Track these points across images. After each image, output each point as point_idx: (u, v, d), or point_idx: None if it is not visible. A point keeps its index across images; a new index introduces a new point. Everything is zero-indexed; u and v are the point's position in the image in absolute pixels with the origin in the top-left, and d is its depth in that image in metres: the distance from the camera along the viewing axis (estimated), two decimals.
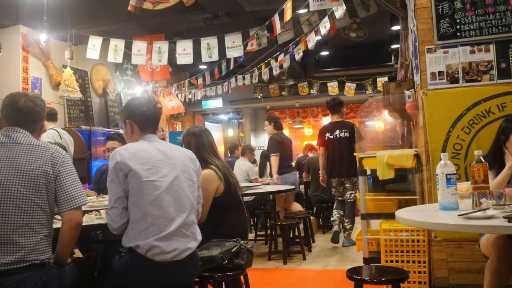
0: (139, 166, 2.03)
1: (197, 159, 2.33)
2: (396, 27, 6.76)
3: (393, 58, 9.54)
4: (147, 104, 2.26)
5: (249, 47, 5.66)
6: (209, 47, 5.61)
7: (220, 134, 14.44)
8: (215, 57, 5.70)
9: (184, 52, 5.75)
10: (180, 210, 2.08)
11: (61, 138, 5.03)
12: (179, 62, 5.82)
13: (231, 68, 7.06)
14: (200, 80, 8.04)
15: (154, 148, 2.15)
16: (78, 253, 2.96)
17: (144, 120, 2.24)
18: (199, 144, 2.77)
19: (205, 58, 5.68)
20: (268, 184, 6.59)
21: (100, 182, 3.81)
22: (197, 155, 2.73)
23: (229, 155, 7.93)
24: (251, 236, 5.44)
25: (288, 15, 4.74)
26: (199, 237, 2.18)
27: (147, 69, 8.72)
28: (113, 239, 2.15)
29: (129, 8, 4.58)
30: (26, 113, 2.04)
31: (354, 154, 3.99)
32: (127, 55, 6.37)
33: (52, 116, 5.16)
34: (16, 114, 2.03)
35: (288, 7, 4.75)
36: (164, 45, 5.89)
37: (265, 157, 7.60)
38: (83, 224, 2.09)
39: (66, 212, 1.95)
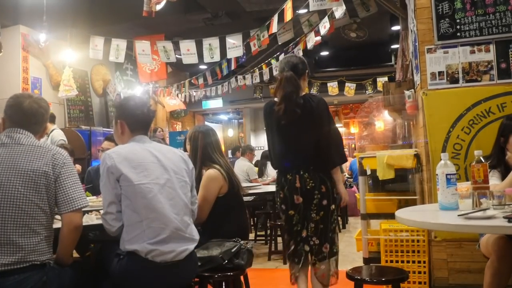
0: (130, 170, 2.01)
1: (189, 159, 2.31)
2: (396, 27, 6.76)
3: (393, 58, 9.54)
4: (141, 107, 2.21)
5: (252, 48, 5.66)
6: (211, 48, 5.63)
7: (220, 134, 14.45)
8: (217, 57, 5.72)
9: (188, 52, 5.78)
10: (175, 212, 2.07)
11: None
12: (185, 62, 5.86)
13: (233, 68, 7.06)
14: (201, 80, 8.05)
15: (145, 150, 2.12)
16: (74, 253, 2.95)
17: (136, 122, 2.20)
18: (206, 142, 2.77)
19: (207, 58, 5.70)
20: (268, 184, 6.60)
21: (94, 180, 3.80)
22: (204, 152, 2.73)
23: (230, 155, 7.93)
24: (251, 236, 5.44)
25: (288, 16, 4.74)
26: (197, 237, 2.18)
27: (145, 70, 8.73)
28: (109, 239, 2.15)
29: (143, 14, 4.60)
30: (30, 115, 2.05)
31: None
32: (128, 55, 6.38)
33: (52, 118, 5.23)
34: (21, 115, 2.03)
35: (288, 7, 4.75)
36: (168, 45, 5.92)
37: (266, 157, 7.61)
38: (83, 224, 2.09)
39: (66, 214, 1.94)
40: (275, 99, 2.83)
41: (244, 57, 6.36)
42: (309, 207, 2.75)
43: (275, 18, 5.04)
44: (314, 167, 2.74)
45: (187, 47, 5.77)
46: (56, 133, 5.00)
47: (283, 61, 2.91)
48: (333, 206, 2.78)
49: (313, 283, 2.78)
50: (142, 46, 5.92)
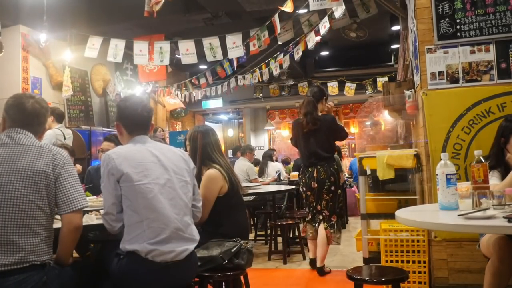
0: (130, 170, 2.01)
1: (190, 159, 2.31)
2: (396, 27, 6.76)
3: (393, 58, 9.54)
4: (134, 108, 2.20)
5: (252, 49, 5.66)
6: (212, 47, 5.62)
7: (220, 134, 14.45)
8: (220, 56, 5.71)
9: (188, 52, 5.76)
10: (175, 212, 2.07)
11: (65, 139, 5.05)
12: (184, 62, 5.83)
13: (235, 68, 7.05)
14: (202, 80, 8.03)
15: (146, 150, 2.12)
16: (74, 253, 2.95)
17: (131, 123, 2.20)
18: (206, 142, 2.77)
19: (209, 58, 5.69)
20: (268, 184, 6.60)
21: (94, 179, 3.79)
22: (203, 152, 2.74)
23: (230, 155, 7.93)
24: (251, 236, 5.44)
25: (289, 5, 4.73)
26: (197, 237, 2.18)
27: (145, 70, 8.72)
28: (109, 239, 2.15)
29: (145, 14, 4.60)
30: (33, 116, 2.05)
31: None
32: (127, 55, 6.37)
33: (59, 117, 5.20)
34: (23, 116, 2.03)
35: (288, 6, 4.76)
36: (166, 45, 5.90)
37: (267, 157, 7.62)
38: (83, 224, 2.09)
39: (66, 215, 1.94)
40: (301, 116, 4.21)
41: (245, 57, 6.35)
42: (321, 190, 4.05)
43: (276, 18, 5.04)
44: (327, 164, 4.06)
45: (186, 47, 5.75)
46: (48, 134, 4.70)
47: (308, 89, 4.42)
48: (339, 191, 4.10)
49: (319, 238, 4.05)
50: (140, 46, 5.89)
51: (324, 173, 4.02)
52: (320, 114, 4.12)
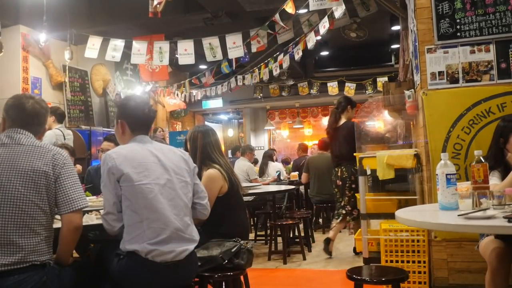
0: (131, 170, 2.01)
1: (190, 159, 2.31)
2: (396, 27, 6.75)
3: (393, 58, 9.53)
4: (141, 107, 2.22)
5: (258, 45, 5.65)
6: (212, 47, 5.61)
7: (220, 134, 14.44)
8: (219, 56, 5.70)
9: (186, 52, 5.74)
10: (175, 212, 2.07)
11: (64, 139, 5.05)
12: (181, 62, 5.82)
13: (234, 67, 7.04)
14: (204, 79, 8.02)
15: (146, 150, 2.13)
16: (74, 254, 2.95)
17: (137, 122, 2.21)
18: (206, 142, 2.77)
19: (209, 57, 5.68)
20: (268, 184, 6.60)
21: (94, 179, 3.79)
22: (203, 152, 2.74)
23: (230, 155, 7.92)
24: (251, 236, 5.43)
25: (289, 5, 4.74)
26: (197, 237, 2.18)
27: (147, 69, 8.72)
28: (109, 239, 2.15)
29: (149, 15, 4.60)
30: (33, 116, 2.06)
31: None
32: (127, 55, 6.37)
33: (60, 117, 5.19)
34: (23, 116, 2.04)
35: (288, 6, 4.76)
36: (165, 45, 5.89)
37: (268, 157, 7.62)
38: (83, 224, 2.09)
39: (66, 215, 1.94)
40: None
41: (247, 56, 6.34)
42: (344, 187, 4.69)
43: (277, 17, 5.04)
44: (349, 164, 4.63)
45: (185, 47, 5.74)
46: (48, 134, 4.64)
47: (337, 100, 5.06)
48: None
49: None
50: (138, 46, 5.89)
51: (346, 172, 4.67)
52: (344, 121, 4.77)
